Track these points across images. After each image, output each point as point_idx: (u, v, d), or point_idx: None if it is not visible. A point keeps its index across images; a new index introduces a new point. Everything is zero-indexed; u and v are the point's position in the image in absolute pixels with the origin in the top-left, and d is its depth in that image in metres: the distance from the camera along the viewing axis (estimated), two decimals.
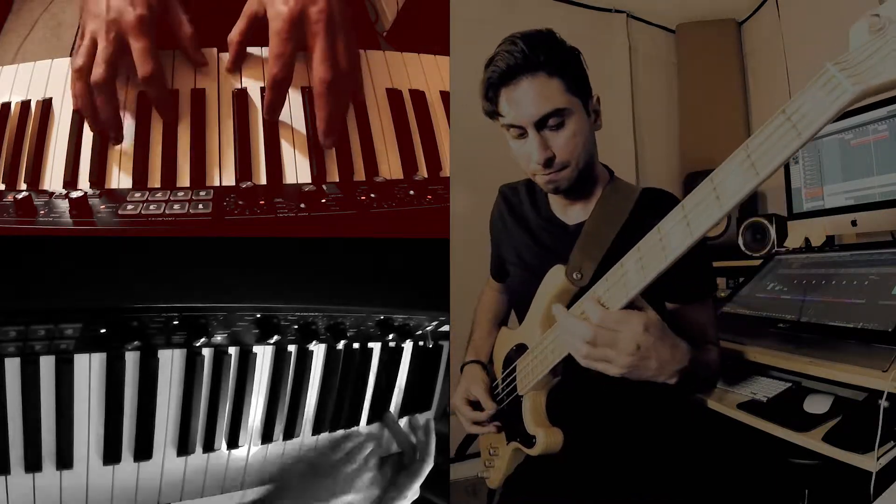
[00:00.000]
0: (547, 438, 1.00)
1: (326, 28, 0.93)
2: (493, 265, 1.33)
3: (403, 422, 1.15)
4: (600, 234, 1.01)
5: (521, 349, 1.06)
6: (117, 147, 1.00)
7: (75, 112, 1.00)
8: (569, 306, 0.90)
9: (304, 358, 1.00)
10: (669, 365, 0.84)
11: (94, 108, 0.96)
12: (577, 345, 0.84)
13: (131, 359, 0.84)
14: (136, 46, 0.94)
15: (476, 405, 1.15)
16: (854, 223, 1.60)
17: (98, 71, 0.94)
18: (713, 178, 0.70)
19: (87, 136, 1.00)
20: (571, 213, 1.13)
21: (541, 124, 0.99)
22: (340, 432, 1.08)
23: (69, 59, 1.08)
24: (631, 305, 0.81)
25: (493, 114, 1.04)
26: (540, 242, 1.15)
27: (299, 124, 1.05)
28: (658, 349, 0.82)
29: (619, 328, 0.80)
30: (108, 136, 0.98)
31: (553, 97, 0.98)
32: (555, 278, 0.98)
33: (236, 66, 1.08)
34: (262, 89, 1.06)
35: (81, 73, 0.95)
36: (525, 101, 0.99)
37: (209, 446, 0.92)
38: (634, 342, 0.80)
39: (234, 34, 1.05)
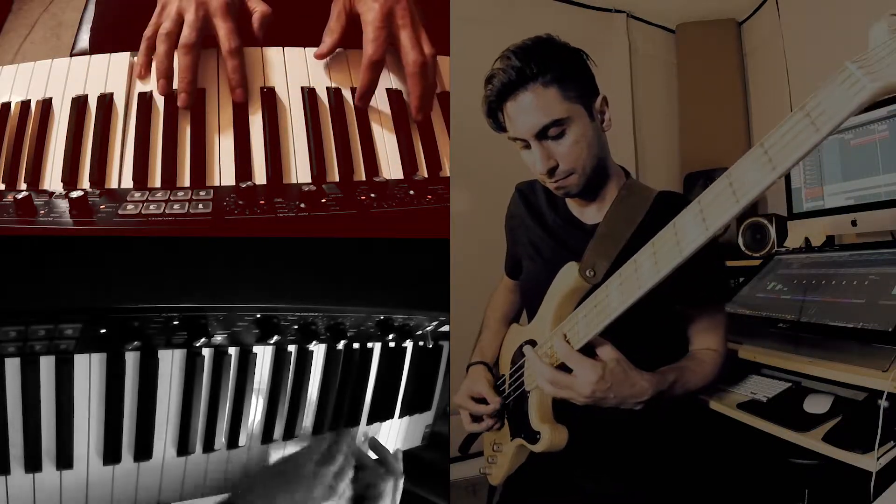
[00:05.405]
0: (552, 435, 1.00)
1: (411, 22, 1.07)
2: (508, 262, 1.33)
3: (362, 441, 1.11)
4: (615, 233, 1.01)
5: (530, 345, 1.06)
6: (118, 146, 1.00)
7: (159, 79, 1.03)
8: (578, 304, 0.94)
9: (304, 358, 1.00)
10: (630, 399, 0.93)
11: (172, 71, 1.03)
12: (542, 382, 0.96)
13: (131, 359, 0.84)
14: (223, 26, 1.04)
15: (480, 402, 1.15)
16: (854, 223, 1.60)
17: (189, 34, 1.02)
18: (730, 174, 0.70)
19: (87, 136, 1.00)
20: (588, 213, 1.13)
21: (541, 135, 1.00)
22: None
23: (69, 58, 1.09)
24: (598, 338, 0.89)
25: (499, 129, 1.07)
26: (557, 239, 1.15)
27: (300, 124, 1.06)
28: (615, 390, 0.91)
29: (577, 373, 0.91)
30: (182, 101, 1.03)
31: (550, 108, 0.99)
32: (568, 275, 0.98)
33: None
34: (329, 89, 1.10)
35: (170, 37, 1.02)
36: (522, 115, 1.00)
37: (209, 446, 0.92)
38: (589, 388, 0.90)
39: (334, 26, 1.10)
